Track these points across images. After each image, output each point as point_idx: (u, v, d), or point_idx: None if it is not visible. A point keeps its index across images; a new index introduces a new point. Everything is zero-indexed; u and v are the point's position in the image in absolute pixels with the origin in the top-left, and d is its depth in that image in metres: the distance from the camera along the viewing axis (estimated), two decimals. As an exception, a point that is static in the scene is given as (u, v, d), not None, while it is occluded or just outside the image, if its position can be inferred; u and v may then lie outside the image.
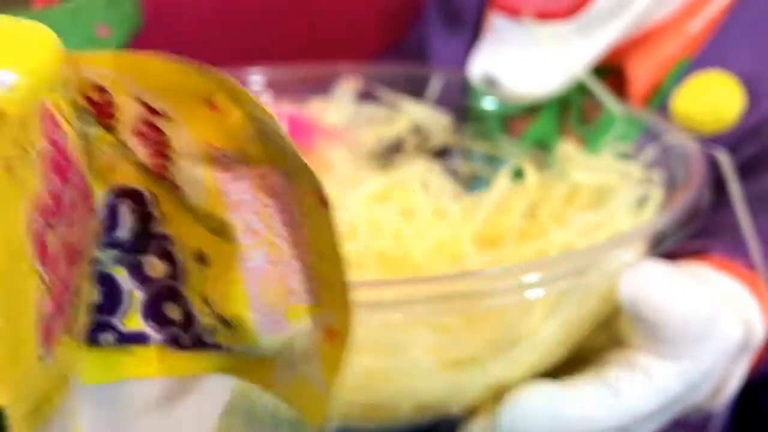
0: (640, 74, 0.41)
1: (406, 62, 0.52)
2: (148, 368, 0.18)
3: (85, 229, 0.15)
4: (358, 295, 0.29)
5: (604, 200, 0.37)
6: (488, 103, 0.45)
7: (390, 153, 0.46)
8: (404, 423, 0.35)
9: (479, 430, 0.32)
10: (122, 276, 0.17)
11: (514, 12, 0.39)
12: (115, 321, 0.17)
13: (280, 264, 0.16)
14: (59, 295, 0.14)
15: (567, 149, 0.41)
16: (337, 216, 0.16)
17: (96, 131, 0.15)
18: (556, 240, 0.34)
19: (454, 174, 0.45)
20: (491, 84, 0.41)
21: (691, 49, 0.41)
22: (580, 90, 0.41)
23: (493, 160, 0.44)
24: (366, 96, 0.46)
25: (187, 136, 0.14)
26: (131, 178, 0.16)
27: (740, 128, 0.39)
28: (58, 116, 0.13)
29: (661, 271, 0.31)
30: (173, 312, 0.17)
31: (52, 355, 0.14)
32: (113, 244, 0.17)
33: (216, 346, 0.17)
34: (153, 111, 0.14)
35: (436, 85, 0.46)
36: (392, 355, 0.31)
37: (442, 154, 0.46)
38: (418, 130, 0.46)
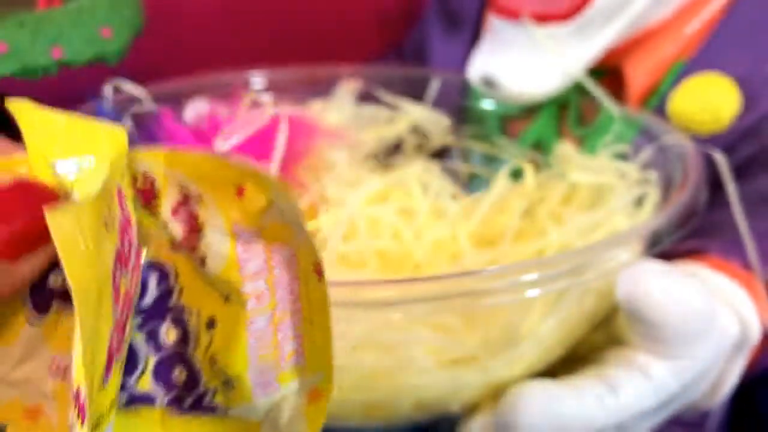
0: (638, 75, 0.41)
1: (406, 64, 0.53)
2: (152, 430, 0.19)
3: (135, 286, 0.17)
4: (358, 295, 0.29)
5: (601, 200, 0.37)
6: (487, 104, 0.45)
7: (390, 153, 0.46)
8: (404, 421, 0.35)
9: (479, 428, 0.32)
10: (140, 341, 0.18)
11: (512, 15, 0.39)
12: (131, 382, 0.18)
13: (279, 328, 0.18)
14: (119, 332, 0.16)
15: (565, 150, 0.41)
16: (329, 288, 0.17)
17: (141, 211, 0.17)
18: (554, 240, 0.34)
19: (453, 174, 0.45)
20: (490, 85, 0.41)
21: (688, 50, 0.41)
22: (578, 91, 0.41)
23: (492, 161, 0.45)
24: (366, 97, 0.46)
25: (216, 215, 0.16)
26: (163, 253, 0.18)
27: (736, 129, 0.39)
28: (124, 194, 0.16)
29: (659, 270, 0.31)
30: (180, 374, 0.19)
31: (108, 381, 0.16)
32: (138, 311, 0.18)
33: (213, 409, 0.19)
34: (190, 194, 0.16)
35: (435, 86, 0.46)
36: (392, 354, 0.31)
37: (441, 154, 0.46)
38: (417, 131, 0.46)
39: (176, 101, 0.44)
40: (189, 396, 0.19)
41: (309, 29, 0.59)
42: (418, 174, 0.40)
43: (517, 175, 0.40)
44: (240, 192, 0.16)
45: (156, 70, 0.47)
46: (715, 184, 0.35)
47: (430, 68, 0.49)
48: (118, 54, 0.40)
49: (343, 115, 0.45)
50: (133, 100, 0.43)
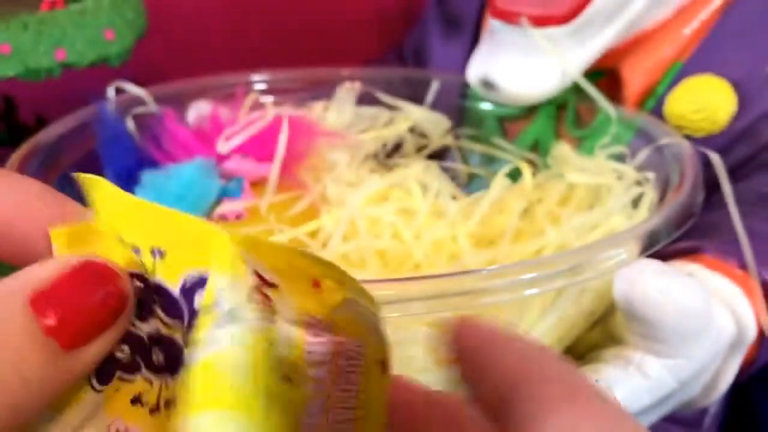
0: (635, 77, 0.42)
1: (406, 64, 0.53)
2: None
3: None
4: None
5: (599, 200, 0.38)
6: (486, 106, 0.45)
7: (390, 154, 0.46)
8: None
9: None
10: None
11: (511, 17, 0.40)
12: None
13: (331, 414, 0.18)
14: None
15: (563, 150, 0.41)
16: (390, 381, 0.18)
17: None
18: (552, 239, 0.34)
19: (452, 174, 0.45)
20: (489, 87, 0.41)
21: (685, 52, 0.41)
22: (575, 92, 0.42)
23: (491, 161, 0.45)
24: (366, 99, 0.46)
25: (290, 303, 0.17)
26: None
27: (732, 130, 0.39)
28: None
29: (656, 270, 0.31)
30: None
31: None
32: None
33: None
34: (266, 282, 0.16)
35: (435, 87, 0.47)
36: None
37: (440, 155, 0.47)
38: (417, 132, 0.46)
39: (178, 103, 0.44)
40: None
41: (309, 29, 0.60)
42: (417, 174, 0.40)
43: (515, 175, 0.40)
44: (316, 284, 0.17)
45: (158, 71, 0.48)
46: (711, 184, 0.35)
47: (430, 70, 0.49)
48: (120, 56, 0.40)
49: (344, 117, 0.45)
50: (135, 101, 0.43)
